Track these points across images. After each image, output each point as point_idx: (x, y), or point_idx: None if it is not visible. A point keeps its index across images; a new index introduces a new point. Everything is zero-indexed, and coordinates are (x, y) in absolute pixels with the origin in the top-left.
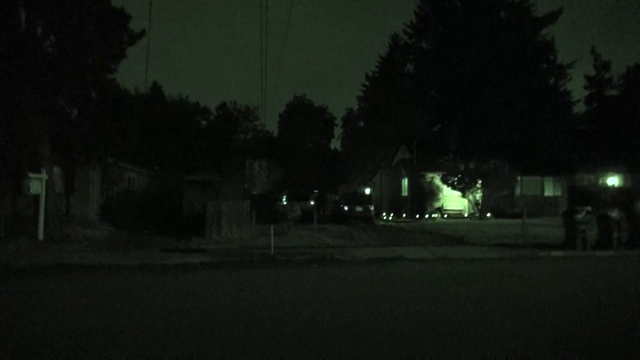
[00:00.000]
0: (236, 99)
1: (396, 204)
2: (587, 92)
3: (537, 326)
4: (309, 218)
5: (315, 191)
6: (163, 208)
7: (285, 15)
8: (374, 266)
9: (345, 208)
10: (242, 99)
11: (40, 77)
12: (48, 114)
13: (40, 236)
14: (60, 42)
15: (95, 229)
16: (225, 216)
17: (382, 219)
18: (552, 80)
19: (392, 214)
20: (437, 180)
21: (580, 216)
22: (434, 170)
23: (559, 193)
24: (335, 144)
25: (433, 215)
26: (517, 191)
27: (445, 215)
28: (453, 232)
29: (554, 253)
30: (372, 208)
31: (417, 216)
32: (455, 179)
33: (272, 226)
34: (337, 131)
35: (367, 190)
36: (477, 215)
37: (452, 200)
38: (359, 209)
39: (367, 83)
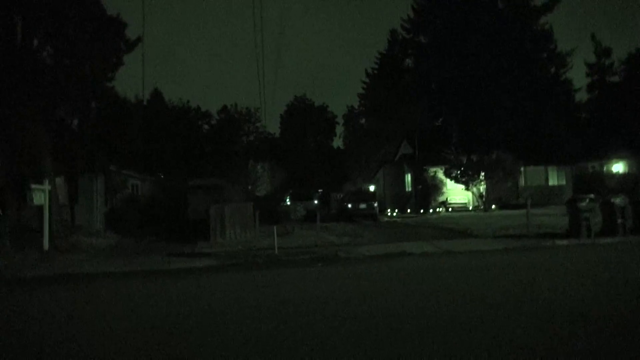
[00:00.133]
0: (237, 102)
1: (400, 200)
2: (588, 80)
3: (538, 318)
4: (313, 217)
5: (320, 190)
6: (168, 213)
7: (282, 16)
8: (379, 263)
9: (349, 206)
10: (243, 101)
11: (39, 89)
12: (49, 125)
13: (46, 246)
14: (57, 53)
15: (100, 238)
16: (228, 219)
17: (387, 215)
18: (553, 69)
19: (396, 210)
20: (440, 174)
21: (583, 204)
22: (437, 164)
23: (563, 182)
24: (338, 143)
25: (437, 210)
26: (521, 182)
27: (450, 209)
28: (457, 225)
29: (559, 242)
30: (375, 205)
31: (422, 211)
32: (458, 172)
33: (274, 227)
34: (339, 129)
35: (372, 188)
36: (482, 207)
37: (456, 193)
38: (362, 206)
39: (367, 80)
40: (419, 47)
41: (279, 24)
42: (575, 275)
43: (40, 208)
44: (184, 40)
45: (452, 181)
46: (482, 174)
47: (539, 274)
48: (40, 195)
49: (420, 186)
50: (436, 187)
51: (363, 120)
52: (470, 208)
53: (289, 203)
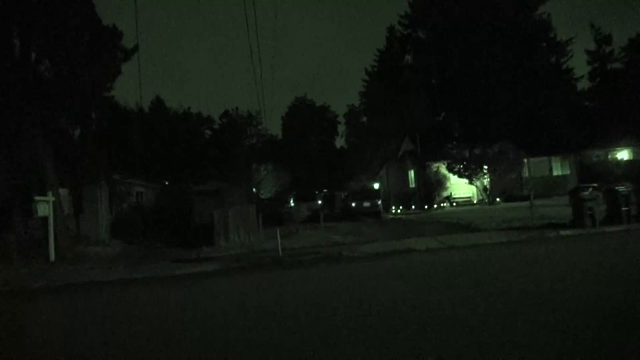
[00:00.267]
0: (238, 106)
1: (404, 197)
2: (589, 68)
3: (541, 312)
4: (317, 218)
5: (325, 190)
6: (173, 219)
7: (276, 12)
8: (383, 260)
9: (353, 205)
10: (244, 105)
11: (39, 101)
12: (50, 137)
13: (52, 257)
14: (55, 65)
15: (105, 246)
16: (232, 222)
17: (391, 212)
18: (553, 59)
19: (400, 207)
20: (443, 169)
21: (586, 193)
22: (439, 159)
23: (567, 172)
24: (340, 142)
25: (442, 205)
26: (525, 173)
27: (454, 204)
28: (462, 219)
29: (563, 232)
30: (379, 203)
31: (426, 207)
32: (461, 166)
33: (277, 229)
34: (341, 129)
35: (376, 185)
36: (486, 200)
37: (460, 187)
38: (366, 204)
39: (367, 78)
40: (417, 43)
41: (273, 23)
42: (579, 266)
43: (45, 219)
44: (182, 47)
45: (456, 176)
46: (485, 167)
47: (543, 266)
48: (44, 207)
49: (423, 182)
50: (440, 183)
51: (365, 119)
52: (475, 202)
53: (292, 204)
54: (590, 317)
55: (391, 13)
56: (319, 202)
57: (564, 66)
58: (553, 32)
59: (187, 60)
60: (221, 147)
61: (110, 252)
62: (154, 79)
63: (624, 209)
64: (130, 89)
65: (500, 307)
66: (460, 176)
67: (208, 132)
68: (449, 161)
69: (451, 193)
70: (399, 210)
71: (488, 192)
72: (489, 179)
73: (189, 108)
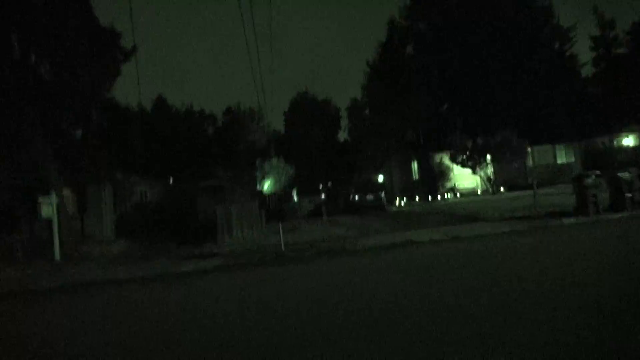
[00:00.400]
0: (240, 103)
1: (408, 188)
2: (594, 54)
3: (544, 305)
4: (320, 212)
5: (328, 184)
6: (177, 217)
7: (280, 12)
8: (385, 253)
9: (356, 198)
10: (245, 101)
11: (40, 103)
12: (52, 138)
13: (57, 257)
14: (55, 66)
15: (110, 245)
16: (234, 218)
17: (395, 204)
18: (557, 46)
19: (404, 199)
20: (447, 160)
21: (589, 181)
22: (442, 150)
23: (572, 159)
24: (343, 135)
25: (446, 196)
26: (529, 162)
27: (458, 194)
28: (465, 210)
29: (566, 220)
30: (382, 195)
31: (430, 198)
32: (464, 156)
33: (280, 224)
34: (344, 122)
35: (380, 178)
36: (490, 190)
37: (464, 178)
38: (369, 197)
39: (369, 71)
40: (418, 34)
41: (268, 17)
42: (581, 255)
43: (49, 220)
44: (183, 45)
45: (459, 166)
46: (489, 156)
47: (544, 256)
48: (47, 208)
49: (427, 173)
50: (443, 174)
51: (367, 112)
52: (479, 192)
53: (296, 199)
54: (592, 312)
55: (392, 4)
56: (322, 196)
57: (568, 53)
58: (556, 19)
59: (189, 59)
60: (224, 143)
61: (114, 251)
62: (156, 78)
63: (627, 195)
64: (132, 89)
65: (502, 299)
66: (463, 166)
67: (211, 129)
68: (452, 151)
69: (455, 184)
70: (402, 203)
71: (492, 182)
72: (492, 169)
73: (191, 106)
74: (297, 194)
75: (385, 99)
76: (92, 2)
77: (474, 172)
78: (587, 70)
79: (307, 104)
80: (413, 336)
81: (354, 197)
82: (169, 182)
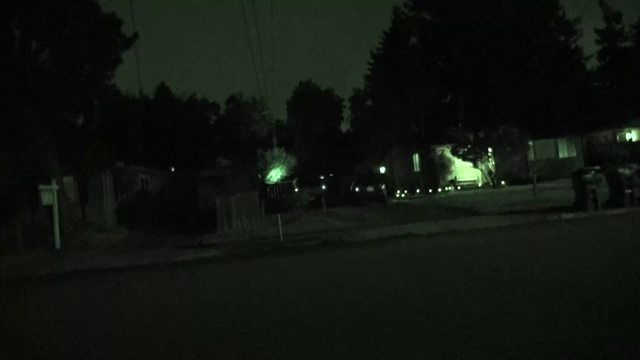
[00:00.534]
0: (242, 92)
1: (409, 181)
2: (599, 47)
3: (536, 299)
4: (320, 203)
5: (330, 175)
6: (178, 206)
7: (282, 3)
8: (383, 246)
9: (357, 189)
10: (249, 92)
11: (41, 91)
12: (53, 126)
13: (57, 245)
14: (56, 54)
15: (110, 233)
16: (234, 209)
17: (396, 196)
18: (562, 38)
19: (405, 191)
20: (448, 153)
21: (589, 176)
22: (444, 142)
23: (573, 154)
24: (346, 126)
25: (446, 188)
26: (531, 156)
27: (459, 187)
28: (465, 203)
29: (565, 216)
30: (383, 187)
31: (430, 191)
32: (465, 149)
33: (279, 215)
34: (346, 113)
35: (382, 170)
36: (491, 184)
37: (465, 171)
38: (370, 189)
39: (372, 61)
40: (422, 24)
41: (280, 13)
42: (577, 252)
43: (50, 207)
44: (187, 34)
45: (460, 159)
46: (490, 150)
47: (539, 250)
48: (48, 196)
49: (428, 166)
50: (444, 166)
51: (370, 103)
52: (480, 185)
53: (297, 189)
54: (583, 310)
55: None
56: (323, 187)
57: (573, 45)
58: (561, 10)
59: (192, 49)
60: (226, 133)
61: (115, 239)
62: (159, 67)
63: (626, 191)
64: (134, 77)
65: (495, 294)
66: (464, 159)
67: (213, 117)
68: (453, 144)
69: (456, 177)
70: (403, 195)
71: (493, 175)
72: (493, 162)
73: (194, 94)
74: (298, 185)
75: (388, 88)
76: None
77: (475, 165)
78: (592, 64)
79: (310, 94)
80: (411, 328)
81: (354, 189)
82: (171, 171)
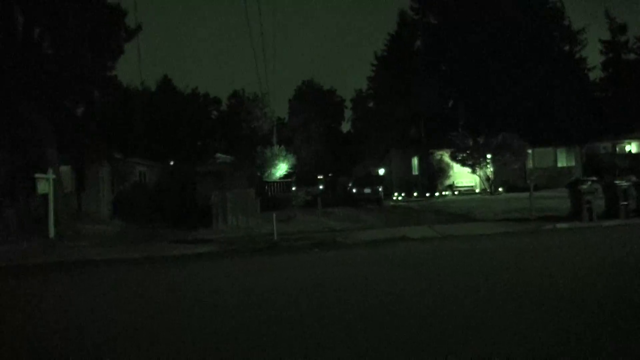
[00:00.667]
0: (244, 88)
1: (407, 184)
2: (603, 58)
3: (522, 306)
4: (317, 203)
5: (330, 175)
6: (175, 200)
7: (288, 2)
8: (376, 248)
9: (354, 191)
10: (251, 89)
11: (41, 79)
12: (52, 115)
13: (51, 234)
14: (58, 43)
15: (106, 225)
16: (230, 205)
17: (393, 199)
18: (567, 48)
19: (402, 194)
20: (447, 158)
21: (585, 187)
22: (443, 147)
23: (572, 163)
24: (347, 127)
25: (444, 193)
26: (529, 164)
27: (457, 192)
28: (461, 209)
29: (559, 225)
30: (380, 189)
31: (428, 194)
32: (464, 154)
33: (274, 213)
34: (348, 113)
35: (381, 171)
36: (489, 190)
37: (463, 176)
38: (367, 190)
39: (376, 63)
40: (428, 28)
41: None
42: (568, 262)
43: (45, 196)
44: (192, 29)
45: (459, 164)
46: (489, 156)
47: (530, 259)
48: (44, 184)
49: (426, 170)
50: (443, 171)
51: (371, 104)
52: (477, 191)
53: (294, 188)
54: (562, 318)
55: None
56: (320, 187)
57: (577, 55)
58: (567, 20)
59: (196, 44)
60: (227, 128)
61: (110, 230)
62: (163, 61)
63: (622, 203)
64: (137, 69)
65: (482, 299)
66: (463, 165)
67: (215, 113)
68: (452, 149)
69: (454, 182)
70: (400, 197)
71: (490, 182)
72: (492, 169)
73: (197, 88)
74: (297, 183)
75: (391, 90)
76: None
77: (474, 171)
78: (595, 74)
79: (312, 92)
80: (394, 332)
81: (351, 190)
82: (170, 164)
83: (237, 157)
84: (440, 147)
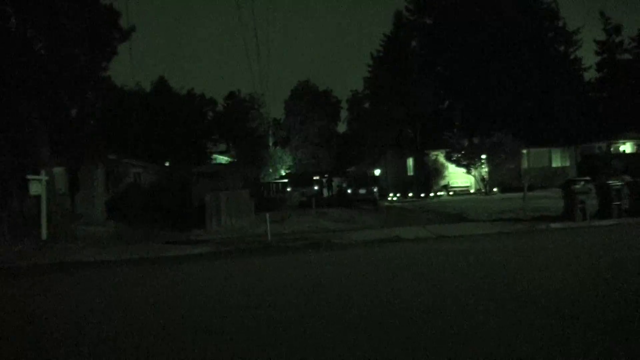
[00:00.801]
0: (240, 90)
1: (402, 184)
2: (598, 58)
3: (511, 306)
4: (311, 203)
5: (325, 175)
6: (170, 201)
7: (284, 4)
8: (369, 248)
9: (349, 191)
10: (247, 89)
11: (35, 80)
12: (45, 116)
13: (44, 236)
14: (51, 43)
15: (100, 226)
16: (224, 206)
17: (388, 199)
18: (562, 48)
19: (398, 194)
20: (442, 158)
21: (578, 187)
22: (438, 147)
23: (567, 163)
24: (342, 127)
25: (439, 193)
26: (524, 164)
27: (452, 193)
28: (455, 209)
29: (553, 225)
30: (375, 190)
31: (423, 195)
32: (459, 155)
33: (267, 214)
34: (343, 114)
35: (377, 172)
36: (484, 190)
37: (458, 177)
38: (362, 191)
39: (372, 63)
40: (423, 29)
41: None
42: (562, 259)
43: (39, 197)
44: (183, 32)
45: (454, 165)
46: (484, 156)
47: (523, 259)
48: (37, 186)
49: (422, 170)
50: (438, 171)
51: (367, 105)
52: (472, 191)
53: (289, 188)
54: (557, 317)
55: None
56: (315, 187)
57: (572, 56)
58: (562, 21)
59: (192, 45)
60: (223, 129)
61: (103, 232)
62: (158, 63)
63: (615, 203)
64: (132, 70)
65: (472, 299)
66: (458, 165)
67: (211, 114)
68: (447, 150)
69: (449, 182)
70: (395, 198)
71: (485, 182)
72: (487, 169)
73: (192, 89)
74: (292, 184)
75: (387, 91)
76: None
77: (469, 171)
78: (590, 75)
79: (308, 93)
80: (390, 333)
81: (346, 190)
82: (165, 165)
83: (233, 157)
84: (436, 147)
